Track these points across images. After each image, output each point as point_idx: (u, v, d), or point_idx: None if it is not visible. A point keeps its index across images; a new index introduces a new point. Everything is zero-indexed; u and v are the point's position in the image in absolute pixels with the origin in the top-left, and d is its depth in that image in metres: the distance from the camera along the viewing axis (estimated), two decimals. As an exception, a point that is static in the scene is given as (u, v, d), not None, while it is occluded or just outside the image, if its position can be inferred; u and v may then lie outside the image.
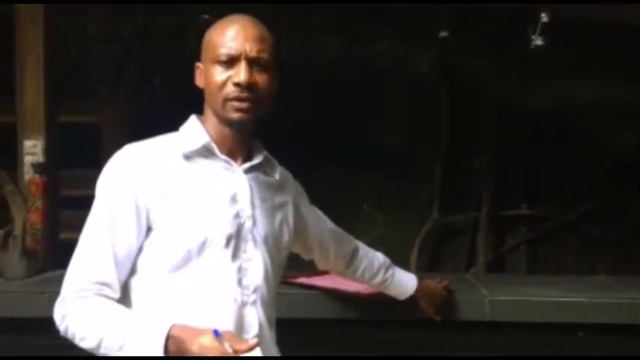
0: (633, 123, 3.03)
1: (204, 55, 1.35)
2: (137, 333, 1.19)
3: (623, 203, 3.15)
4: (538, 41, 2.37)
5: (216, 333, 1.15)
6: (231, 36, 1.30)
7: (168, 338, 1.17)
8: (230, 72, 1.30)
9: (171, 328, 1.17)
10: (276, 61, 1.34)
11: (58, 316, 1.27)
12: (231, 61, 1.30)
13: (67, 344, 1.28)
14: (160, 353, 1.16)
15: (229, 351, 1.13)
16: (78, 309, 1.25)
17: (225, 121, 1.33)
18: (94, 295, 1.25)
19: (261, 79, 1.31)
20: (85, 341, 1.23)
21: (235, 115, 1.31)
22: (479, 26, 2.82)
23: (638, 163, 3.01)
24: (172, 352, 1.17)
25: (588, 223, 3.20)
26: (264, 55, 1.31)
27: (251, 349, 1.15)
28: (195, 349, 1.14)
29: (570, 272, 3.11)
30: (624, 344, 1.94)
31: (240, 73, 1.28)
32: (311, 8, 2.85)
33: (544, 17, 2.38)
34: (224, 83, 1.30)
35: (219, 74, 1.30)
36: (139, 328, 1.20)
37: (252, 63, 1.30)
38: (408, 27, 2.98)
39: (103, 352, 1.22)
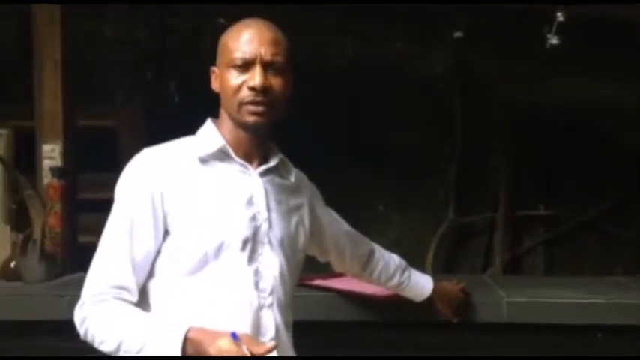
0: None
1: (219, 59, 1.36)
2: (155, 335, 1.20)
3: (642, 202, 3.12)
4: (554, 40, 2.36)
5: (234, 335, 1.16)
6: (246, 40, 1.31)
7: (185, 340, 1.18)
8: (245, 76, 1.30)
9: (188, 330, 1.18)
10: (290, 64, 1.35)
11: (77, 319, 1.29)
12: (246, 65, 1.30)
13: (87, 347, 1.29)
14: (178, 354, 1.17)
15: (247, 353, 1.14)
16: (97, 312, 1.26)
17: (241, 125, 1.34)
18: (112, 299, 1.27)
19: (276, 82, 1.31)
20: (105, 344, 1.25)
21: (250, 119, 1.31)
22: (493, 26, 2.81)
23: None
24: (190, 354, 1.18)
25: (606, 223, 3.17)
26: (279, 59, 1.31)
27: (269, 351, 1.16)
28: (213, 352, 1.15)
29: (588, 273, 3.08)
30: (644, 345, 1.92)
31: (255, 76, 1.29)
32: (323, 9, 2.85)
33: (560, 16, 2.37)
34: (239, 87, 1.30)
35: (234, 78, 1.31)
36: (158, 331, 1.21)
37: (267, 67, 1.30)
38: (422, 28, 2.97)
39: (122, 354, 1.24)
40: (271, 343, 1.20)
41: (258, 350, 1.15)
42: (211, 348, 1.15)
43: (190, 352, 1.18)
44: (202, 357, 1.17)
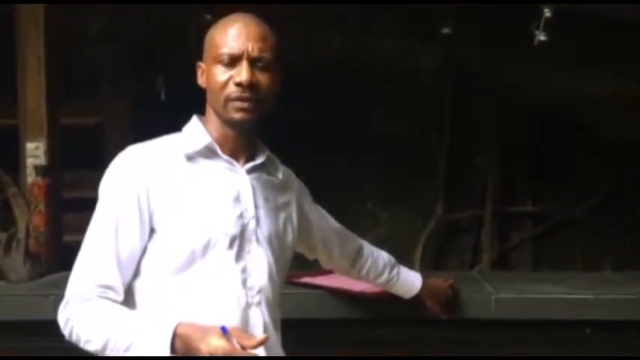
0: (638, 117, 3.02)
1: (205, 55, 1.34)
2: (143, 333, 1.18)
3: (629, 198, 3.14)
4: (541, 36, 2.36)
5: (223, 330, 1.14)
6: (233, 35, 1.29)
7: (174, 337, 1.16)
8: (232, 72, 1.29)
9: (177, 326, 1.17)
10: (278, 59, 1.33)
11: (61, 319, 1.26)
12: (232, 61, 1.29)
13: (72, 347, 1.27)
14: (167, 353, 1.15)
15: (237, 347, 1.12)
16: (82, 311, 1.24)
17: (227, 122, 1.32)
18: (97, 298, 1.25)
19: (263, 78, 1.30)
20: (91, 343, 1.22)
21: (237, 115, 1.30)
22: (482, 21, 2.81)
23: (644, 157, 3.00)
24: (179, 351, 1.16)
25: (594, 219, 3.19)
26: (267, 55, 1.30)
27: (259, 344, 1.15)
28: (203, 348, 1.13)
29: (576, 268, 3.10)
30: (631, 341, 1.92)
31: (242, 72, 1.27)
32: (312, 3, 2.84)
33: (547, 12, 2.37)
34: (226, 83, 1.29)
35: (221, 74, 1.29)
36: (146, 328, 1.19)
37: (254, 62, 1.29)
38: (410, 23, 2.97)
39: (109, 353, 1.21)
40: (262, 336, 1.18)
41: (249, 343, 1.14)
42: (202, 344, 1.13)
43: (180, 348, 1.16)
44: (194, 357, 1.15)
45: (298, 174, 1.55)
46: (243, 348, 1.13)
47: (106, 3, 2.96)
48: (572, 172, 3.15)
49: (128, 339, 1.19)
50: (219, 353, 1.11)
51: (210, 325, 1.17)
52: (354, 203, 3.15)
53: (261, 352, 1.30)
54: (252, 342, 1.14)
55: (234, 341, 1.13)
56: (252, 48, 1.28)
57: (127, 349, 1.19)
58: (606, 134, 3.10)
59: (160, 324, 1.18)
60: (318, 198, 1.62)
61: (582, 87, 2.99)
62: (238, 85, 1.28)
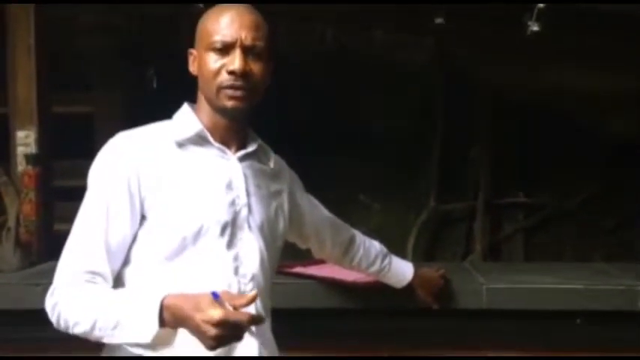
0: (631, 110, 3.03)
1: (198, 42, 1.33)
2: (131, 308, 1.16)
3: (621, 191, 3.15)
4: (534, 27, 2.36)
5: (214, 295, 1.12)
6: (226, 23, 1.28)
7: (162, 309, 1.13)
8: (224, 60, 1.28)
9: (164, 298, 1.14)
10: (271, 49, 1.33)
11: (49, 306, 1.24)
12: (225, 49, 1.28)
13: (62, 336, 1.26)
14: (156, 326, 1.12)
15: (231, 310, 1.11)
16: (68, 296, 1.22)
17: (219, 110, 1.31)
18: (84, 283, 1.23)
19: (255, 67, 1.29)
20: (79, 326, 1.20)
21: (229, 104, 1.29)
22: (474, 13, 2.80)
23: (636, 150, 3.01)
24: (169, 323, 1.13)
25: (585, 211, 3.20)
26: (260, 43, 1.29)
27: (251, 301, 1.13)
28: (197, 316, 1.10)
29: (567, 259, 3.12)
30: (622, 331, 1.94)
31: (235, 60, 1.27)
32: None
33: (539, 3, 2.37)
34: (218, 71, 1.28)
35: (214, 62, 1.28)
36: (133, 303, 1.16)
37: (247, 51, 1.28)
38: (403, 15, 2.96)
39: (97, 333, 1.18)
40: (253, 293, 1.16)
41: (241, 302, 1.12)
42: (196, 314, 1.10)
43: (169, 319, 1.13)
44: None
45: (291, 165, 1.54)
46: (235, 308, 1.12)
47: (97, 3, 2.94)
48: (564, 165, 3.16)
49: (115, 316, 1.16)
50: (216, 319, 1.09)
51: (198, 293, 1.14)
52: (346, 194, 3.15)
53: (253, 344, 1.29)
54: (244, 300, 1.13)
55: (227, 305, 1.12)
56: (246, 36, 1.28)
57: (115, 327, 1.16)
58: (598, 128, 3.11)
59: (146, 297, 1.16)
60: (311, 189, 1.62)
61: (575, 80, 2.99)
62: (231, 73, 1.27)
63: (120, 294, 1.22)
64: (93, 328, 1.18)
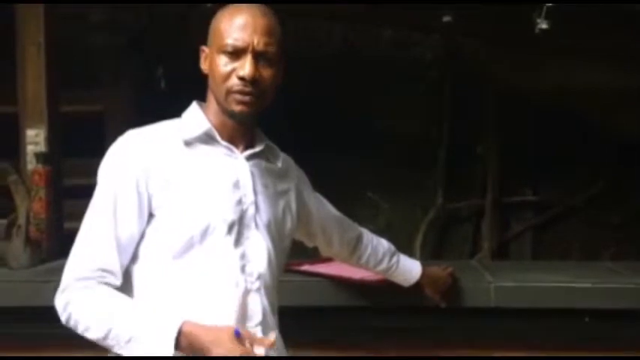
0: (638, 107, 3.01)
1: (210, 41, 1.33)
2: (147, 327, 1.18)
3: (629, 188, 3.14)
4: (543, 25, 2.35)
5: (236, 333, 1.14)
6: (239, 26, 1.27)
7: (179, 334, 1.16)
8: (235, 64, 1.27)
9: (183, 324, 1.16)
10: (282, 53, 1.32)
11: (59, 304, 1.26)
12: (237, 53, 1.27)
13: (72, 334, 1.27)
14: (171, 350, 1.15)
15: (249, 349, 1.13)
16: (82, 298, 1.23)
17: (227, 113, 1.31)
18: (97, 284, 1.24)
19: (266, 73, 1.29)
20: (90, 332, 1.22)
21: (237, 108, 1.29)
22: (482, 12, 2.79)
23: (644, 147, 2.99)
24: (183, 349, 1.16)
25: (593, 209, 3.19)
26: (272, 49, 1.28)
27: (270, 345, 1.15)
28: (216, 350, 1.13)
29: (575, 258, 3.11)
30: (630, 329, 1.93)
31: (246, 66, 1.26)
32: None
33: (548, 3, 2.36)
34: (228, 75, 1.28)
35: (224, 65, 1.28)
36: (149, 322, 1.19)
37: (259, 57, 1.27)
38: (410, 13, 2.96)
39: (110, 343, 1.21)
40: (272, 337, 1.18)
41: (260, 343, 1.14)
42: (215, 348, 1.13)
43: (185, 346, 1.16)
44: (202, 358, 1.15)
45: (299, 164, 1.54)
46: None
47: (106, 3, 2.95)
48: (572, 163, 3.15)
49: (130, 331, 1.18)
50: (234, 354, 1.12)
51: (219, 326, 1.17)
52: (354, 193, 3.15)
53: (260, 350, 1.30)
54: (263, 343, 1.15)
55: (247, 343, 1.13)
56: (258, 42, 1.27)
57: (128, 341, 1.18)
58: (605, 125, 3.09)
59: (164, 319, 1.18)
60: (319, 187, 1.62)
61: (583, 77, 2.98)
62: (241, 78, 1.26)
63: (137, 307, 1.24)
64: (105, 337, 1.20)
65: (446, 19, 2.61)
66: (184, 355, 1.17)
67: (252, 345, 1.14)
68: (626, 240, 3.13)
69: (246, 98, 1.28)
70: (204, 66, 1.35)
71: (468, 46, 3.08)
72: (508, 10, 2.67)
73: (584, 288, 1.94)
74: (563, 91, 3.03)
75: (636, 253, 2.95)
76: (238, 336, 1.14)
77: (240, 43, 1.26)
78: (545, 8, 2.32)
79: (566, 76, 2.99)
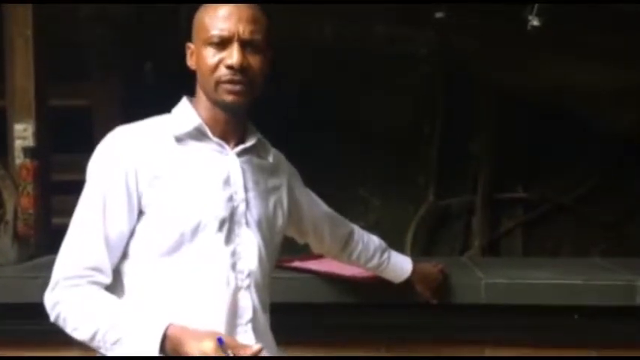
0: (631, 106, 3.02)
1: (195, 36, 1.32)
2: (133, 329, 1.18)
3: (619, 186, 3.15)
4: (535, 22, 2.35)
5: (219, 341, 1.13)
6: (224, 16, 1.27)
7: (165, 338, 1.15)
8: (222, 54, 1.27)
9: (168, 327, 1.16)
10: (269, 41, 1.32)
11: (49, 302, 1.25)
12: (223, 43, 1.27)
13: (60, 331, 1.26)
14: (156, 352, 1.15)
15: (230, 355, 1.12)
16: (71, 298, 1.23)
17: (218, 104, 1.31)
18: (86, 284, 1.23)
19: (254, 61, 1.28)
20: (78, 332, 1.22)
21: (228, 98, 1.28)
22: (476, 6, 2.79)
23: (635, 146, 3.00)
24: (168, 353, 1.16)
25: (584, 206, 3.20)
26: (258, 37, 1.28)
27: (255, 355, 1.13)
28: (195, 354, 1.12)
29: (566, 255, 3.12)
30: (620, 327, 1.94)
31: (233, 55, 1.26)
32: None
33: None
34: (216, 65, 1.27)
35: (211, 56, 1.27)
36: (136, 324, 1.18)
37: (245, 45, 1.27)
38: (404, 7, 2.95)
39: (97, 344, 1.21)
40: (257, 347, 1.16)
41: (245, 353, 1.13)
42: (195, 350, 1.12)
43: (169, 349, 1.15)
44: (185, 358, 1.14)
45: (290, 159, 1.54)
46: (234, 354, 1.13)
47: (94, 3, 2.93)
48: (563, 160, 3.15)
49: (117, 333, 1.18)
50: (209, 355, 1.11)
51: (202, 330, 1.16)
52: (345, 189, 3.14)
53: (250, 337, 1.29)
54: (248, 352, 1.13)
55: (229, 352, 1.12)
56: (244, 30, 1.26)
57: (114, 343, 1.18)
58: (598, 122, 3.10)
59: (150, 322, 1.17)
60: (310, 184, 1.61)
61: (575, 75, 2.98)
62: (229, 67, 1.26)
63: (124, 310, 1.23)
64: (92, 338, 1.20)
65: (439, 15, 2.61)
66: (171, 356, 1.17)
67: (235, 354, 1.13)
68: (617, 237, 3.14)
69: (237, 87, 1.27)
70: (190, 62, 1.34)
71: (461, 43, 3.07)
72: (501, 6, 2.67)
73: (574, 284, 1.95)
74: (556, 88, 3.03)
75: (626, 251, 2.96)
76: (221, 344, 1.13)
77: (225, 33, 1.26)
78: (536, 5, 2.32)
79: (558, 73, 2.99)
